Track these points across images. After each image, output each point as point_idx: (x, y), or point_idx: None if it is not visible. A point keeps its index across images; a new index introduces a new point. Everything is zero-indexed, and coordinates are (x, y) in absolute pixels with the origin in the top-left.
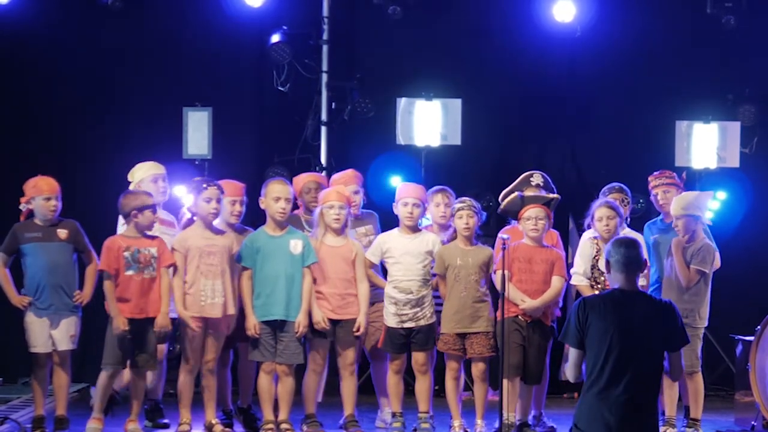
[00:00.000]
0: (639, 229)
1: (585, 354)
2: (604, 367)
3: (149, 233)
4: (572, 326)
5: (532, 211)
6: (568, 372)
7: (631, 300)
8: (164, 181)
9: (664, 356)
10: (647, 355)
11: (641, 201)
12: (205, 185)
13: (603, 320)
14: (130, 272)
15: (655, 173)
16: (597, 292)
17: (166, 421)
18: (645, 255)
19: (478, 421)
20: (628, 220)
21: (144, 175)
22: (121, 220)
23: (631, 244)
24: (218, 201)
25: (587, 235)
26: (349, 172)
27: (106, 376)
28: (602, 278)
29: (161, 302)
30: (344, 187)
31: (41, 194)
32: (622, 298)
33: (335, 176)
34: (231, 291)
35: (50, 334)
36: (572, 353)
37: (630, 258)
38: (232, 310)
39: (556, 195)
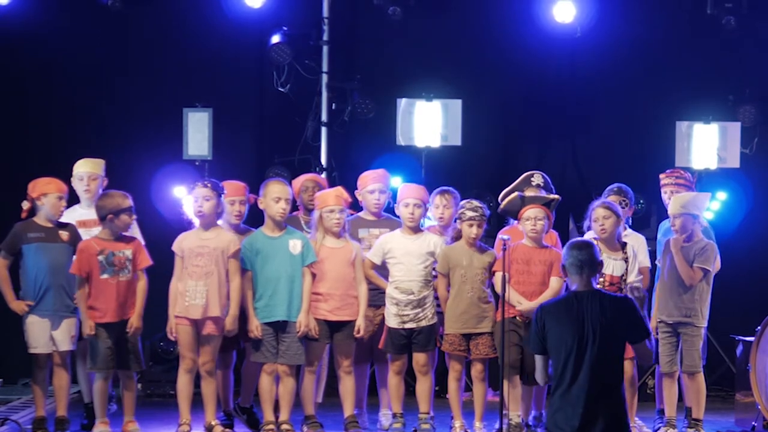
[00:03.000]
0: (641, 229)
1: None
2: (565, 369)
3: (126, 234)
4: (533, 333)
5: (531, 212)
6: (537, 377)
7: (586, 300)
8: (92, 180)
9: (623, 351)
10: (604, 353)
11: (641, 201)
12: (193, 185)
13: (559, 324)
14: (105, 276)
15: (666, 171)
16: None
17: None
18: (600, 256)
19: (477, 423)
20: (630, 221)
21: (74, 171)
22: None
23: (584, 246)
24: (206, 199)
25: (588, 236)
26: (380, 171)
27: (100, 380)
28: (601, 279)
29: (136, 304)
30: (342, 189)
31: (55, 193)
32: (576, 299)
33: (366, 173)
34: (217, 293)
35: (51, 335)
36: (537, 359)
37: (582, 260)
38: (215, 312)
39: (556, 196)
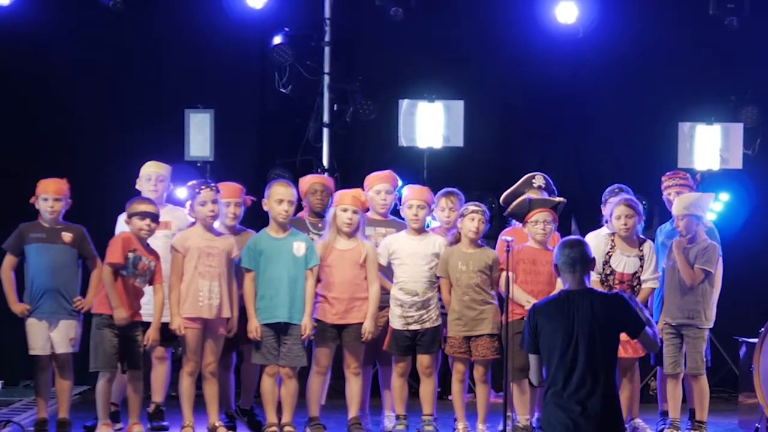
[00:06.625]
0: (644, 230)
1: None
2: (558, 368)
3: (151, 246)
4: (526, 333)
5: (540, 215)
6: (531, 377)
7: (577, 299)
8: (160, 181)
9: (617, 348)
10: (596, 351)
11: (644, 203)
12: (198, 189)
13: (551, 323)
14: (123, 273)
15: (668, 173)
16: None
17: (165, 423)
18: (592, 254)
19: (480, 425)
20: None
21: (142, 171)
22: (120, 220)
23: (575, 245)
24: (214, 202)
25: (603, 231)
26: (387, 172)
27: (104, 380)
28: (611, 276)
29: (155, 316)
30: (361, 191)
31: (41, 194)
32: (567, 298)
33: (372, 174)
34: (227, 294)
35: (49, 336)
36: (531, 359)
37: (574, 258)
38: (227, 313)
39: (562, 199)
